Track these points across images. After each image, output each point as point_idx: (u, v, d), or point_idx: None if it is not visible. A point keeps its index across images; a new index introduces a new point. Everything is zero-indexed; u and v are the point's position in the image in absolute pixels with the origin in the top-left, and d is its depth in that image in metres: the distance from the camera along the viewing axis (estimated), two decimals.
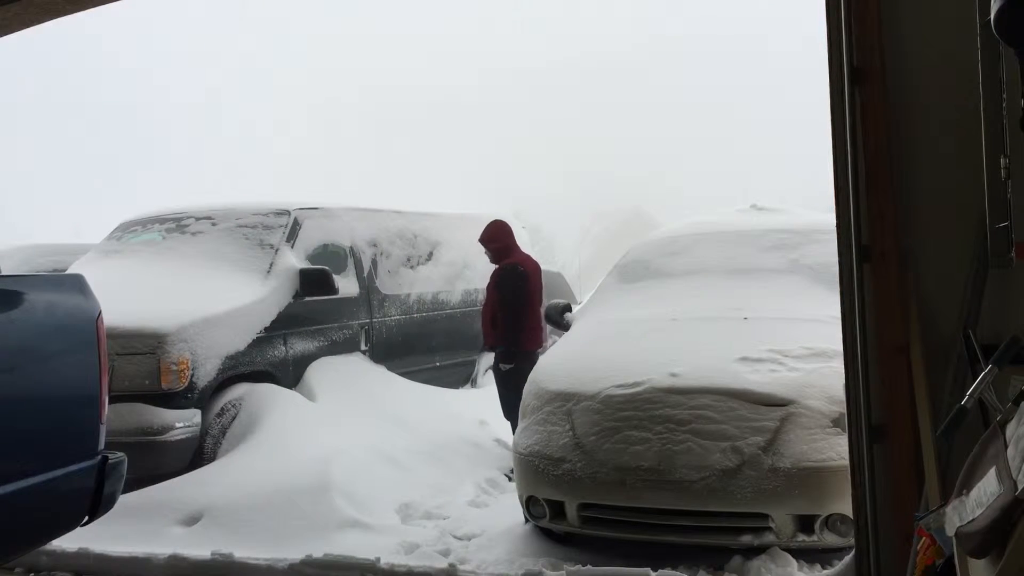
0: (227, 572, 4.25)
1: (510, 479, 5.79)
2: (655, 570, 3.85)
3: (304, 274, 6.58)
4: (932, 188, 3.26)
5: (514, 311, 6.33)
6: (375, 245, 7.64)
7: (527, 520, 4.66)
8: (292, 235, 6.81)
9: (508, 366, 6.23)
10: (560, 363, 4.88)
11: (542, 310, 6.48)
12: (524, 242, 9.25)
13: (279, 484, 5.04)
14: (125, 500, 3.94)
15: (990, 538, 1.70)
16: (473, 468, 6.09)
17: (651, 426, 4.13)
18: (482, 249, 6.74)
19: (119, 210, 8.48)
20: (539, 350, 6.38)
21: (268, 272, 6.49)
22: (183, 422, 5.55)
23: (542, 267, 7.03)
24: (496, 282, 6.48)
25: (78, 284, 3.52)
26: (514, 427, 5.93)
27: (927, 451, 3.05)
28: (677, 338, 4.74)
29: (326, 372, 6.69)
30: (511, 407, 5.96)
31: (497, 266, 6.59)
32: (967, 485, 1.94)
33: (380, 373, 7.13)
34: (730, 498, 3.94)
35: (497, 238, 6.62)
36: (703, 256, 5.69)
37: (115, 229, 7.51)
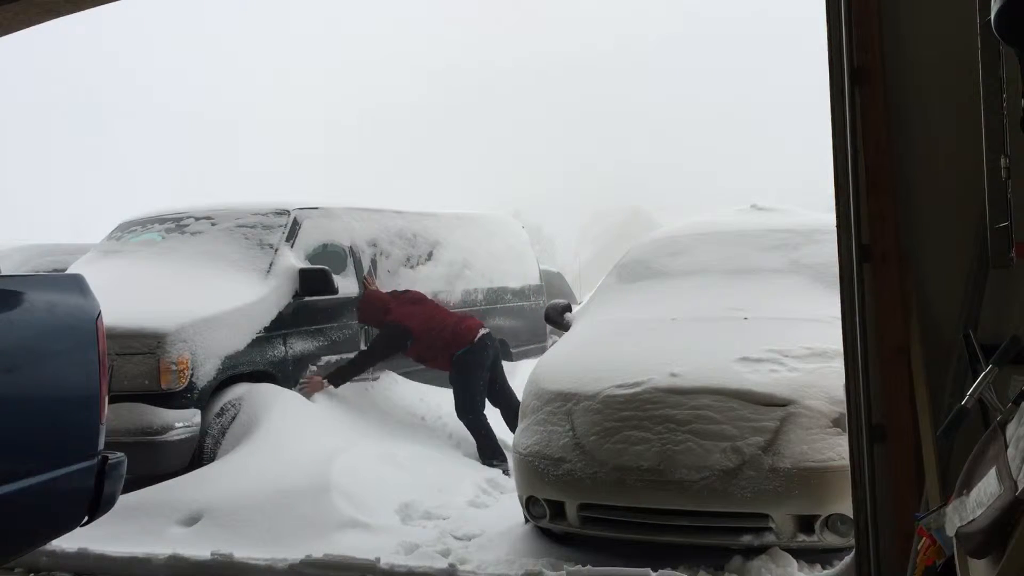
0: (227, 572, 4.24)
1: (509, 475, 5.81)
2: (655, 570, 3.85)
3: (304, 274, 6.57)
4: (932, 188, 3.25)
5: (429, 345, 6.80)
6: (375, 245, 7.63)
7: (527, 520, 4.66)
8: (292, 235, 6.80)
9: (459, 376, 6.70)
10: (560, 363, 4.87)
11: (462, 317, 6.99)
12: (524, 242, 9.26)
13: (279, 484, 5.04)
14: (125, 500, 3.94)
15: (990, 538, 1.70)
16: (473, 468, 6.09)
17: (651, 426, 4.13)
18: (480, 249, 6.83)
19: (119, 210, 8.49)
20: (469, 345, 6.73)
21: (268, 272, 6.48)
22: (183, 422, 5.54)
23: (542, 267, 7.07)
24: (395, 339, 6.83)
25: (78, 284, 3.51)
26: (468, 426, 6.46)
27: (927, 451, 3.05)
28: (677, 338, 4.74)
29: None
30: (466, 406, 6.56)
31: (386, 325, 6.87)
32: (967, 485, 1.94)
33: (380, 373, 7.12)
34: (730, 498, 3.94)
35: (372, 315, 6.95)
36: (703, 256, 5.69)
37: (115, 229, 7.50)
